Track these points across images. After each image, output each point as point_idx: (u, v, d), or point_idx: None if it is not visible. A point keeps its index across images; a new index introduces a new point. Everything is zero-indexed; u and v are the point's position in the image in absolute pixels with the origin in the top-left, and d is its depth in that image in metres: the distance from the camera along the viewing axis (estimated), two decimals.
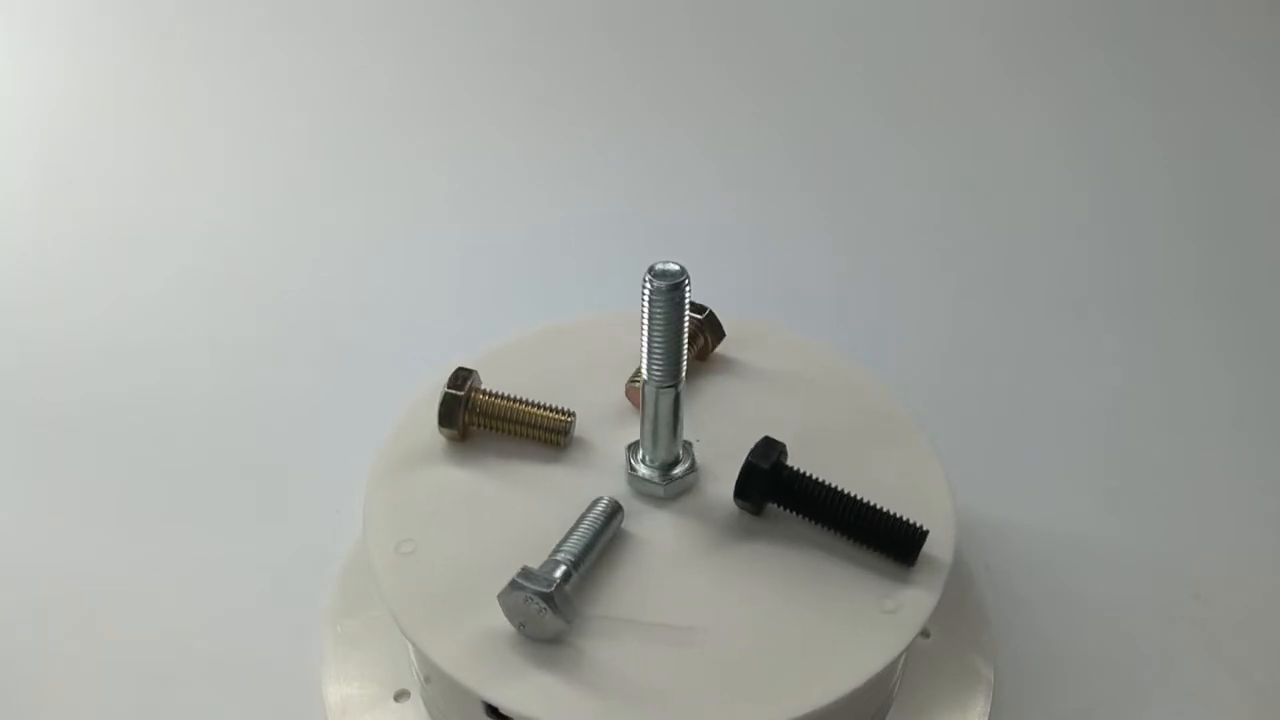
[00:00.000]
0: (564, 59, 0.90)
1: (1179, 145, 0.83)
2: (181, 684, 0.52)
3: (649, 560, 0.45)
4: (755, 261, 0.75)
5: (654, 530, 0.47)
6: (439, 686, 0.47)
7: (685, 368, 0.45)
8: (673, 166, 0.82)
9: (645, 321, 0.44)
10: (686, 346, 0.46)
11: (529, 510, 0.47)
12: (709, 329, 0.53)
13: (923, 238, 0.77)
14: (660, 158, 0.83)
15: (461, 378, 0.49)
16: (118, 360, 0.68)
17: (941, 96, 0.87)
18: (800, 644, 0.43)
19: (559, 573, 0.42)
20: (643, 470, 0.48)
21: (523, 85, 0.88)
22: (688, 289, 0.43)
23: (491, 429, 0.50)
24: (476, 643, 0.43)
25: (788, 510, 0.46)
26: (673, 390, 0.45)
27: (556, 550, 0.44)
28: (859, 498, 0.45)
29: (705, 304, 0.53)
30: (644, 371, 0.45)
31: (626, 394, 0.51)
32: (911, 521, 0.45)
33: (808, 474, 0.46)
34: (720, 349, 0.54)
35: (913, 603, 0.44)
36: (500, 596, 0.42)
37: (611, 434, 0.50)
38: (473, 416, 0.49)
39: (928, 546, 0.45)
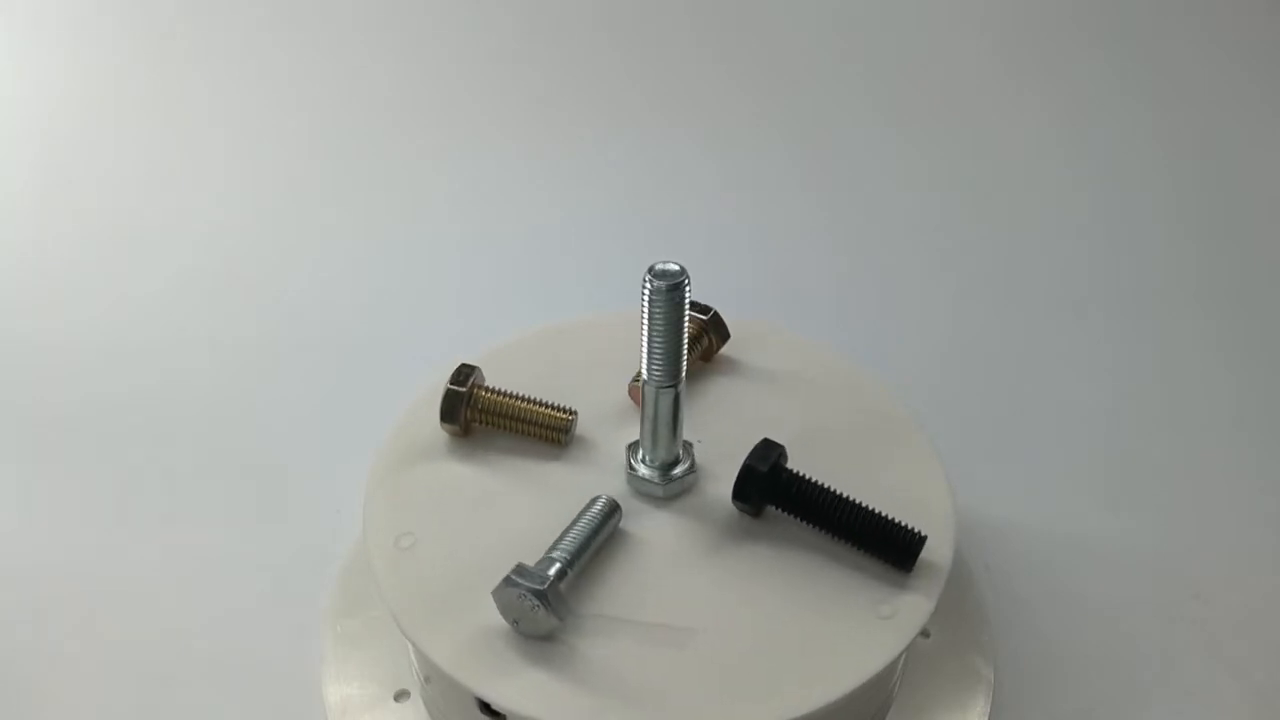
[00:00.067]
0: (564, 59, 0.90)
1: (1179, 145, 0.82)
2: (181, 684, 0.52)
3: (647, 560, 0.45)
4: (755, 261, 0.75)
5: (652, 530, 0.47)
6: (439, 686, 0.47)
7: (686, 368, 0.45)
8: (673, 166, 0.82)
9: (645, 321, 0.44)
10: (690, 347, 0.46)
11: (529, 507, 0.47)
12: (714, 330, 0.53)
13: (923, 238, 0.77)
14: (660, 158, 0.83)
15: (465, 374, 0.49)
16: (118, 360, 0.68)
17: (941, 96, 0.87)
18: (795, 647, 0.43)
19: (553, 570, 0.42)
20: (642, 470, 0.48)
21: (523, 85, 0.88)
22: (688, 289, 0.43)
23: (493, 426, 0.50)
24: (472, 638, 0.43)
25: (786, 513, 0.46)
26: (672, 390, 0.45)
27: (552, 548, 0.44)
28: (858, 502, 0.45)
29: (707, 305, 0.53)
30: (644, 371, 0.45)
31: (630, 393, 0.51)
32: (910, 527, 0.44)
33: (807, 476, 0.46)
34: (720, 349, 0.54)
35: (909, 608, 0.44)
36: (494, 593, 0.42)
37: (614, 433, 0.50)
38: (475, 413, 0.49)
39: (927, 551, 0.44)
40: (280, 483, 0.61)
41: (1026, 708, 0.51)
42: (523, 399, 0.50)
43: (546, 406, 0.49)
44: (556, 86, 0.88)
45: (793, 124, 0.86)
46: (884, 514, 0.45)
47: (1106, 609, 0.55)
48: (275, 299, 0.72)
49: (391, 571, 0.45)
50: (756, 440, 0.46)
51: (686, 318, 0.44)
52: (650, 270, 0.43)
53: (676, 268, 0.43)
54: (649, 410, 0.46)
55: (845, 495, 0.45)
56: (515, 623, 0.43)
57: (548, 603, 0.42)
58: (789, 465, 0.46)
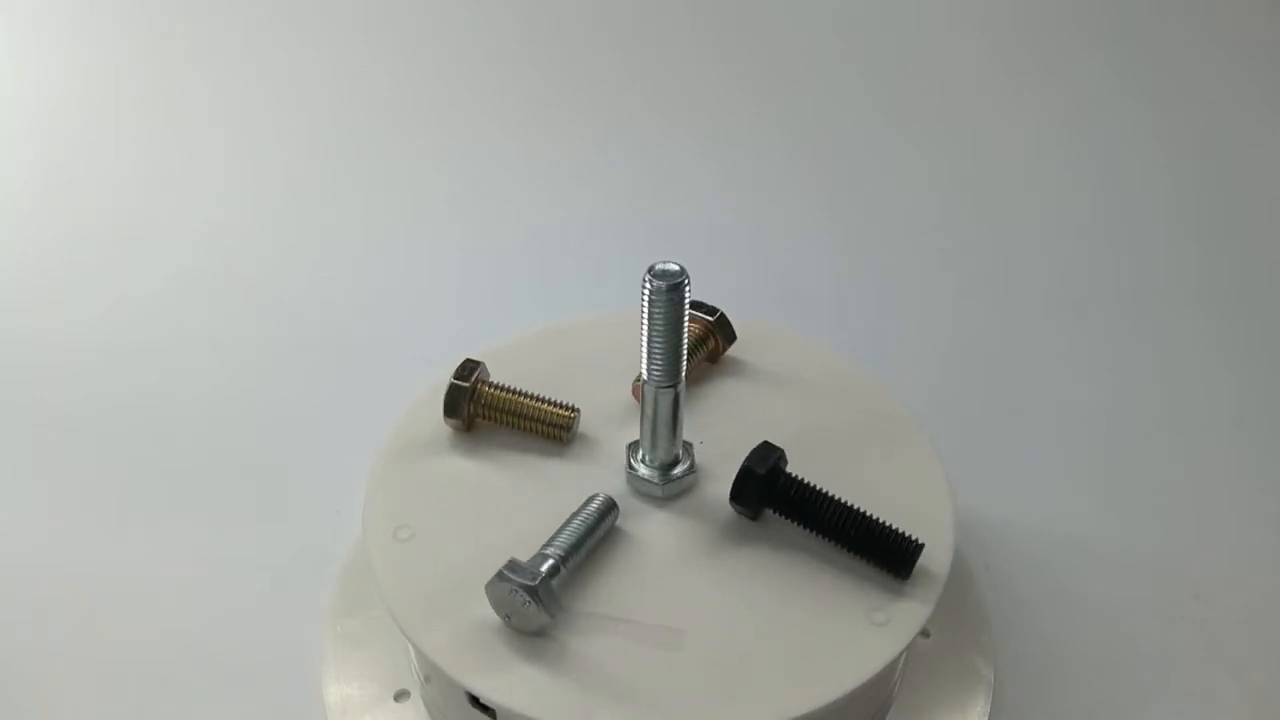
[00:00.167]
0: (564, 59, 0.90)
1: (1179, 145, 0.82)
2: (181, 684, 0.52)
3: (643, 559, 0.45)
4: (755, 261, 0.75)
5: (650, 530, 0.47)
6: (439, 686, 0.47)
7: (686, 368, 0.45)
8: (673, 166, 0.82)
9: (645, 321, 0.44)
10: (696, 349, 0.45)
11: (528, 503, 0.47)
12: (720, 331, 0.53)
13: (923, 238, 0.77)
14: (660, 158, 0.83)
15: (469, 369, 0.50)
16: (118, 360, 0.68)
17: (941, 96, 0.87)
18: (787, 651, 0.43)
19: (545, 566, 0.43)
20: (642, 470, 0.48)
21: (523, 85, 0.88)
22: (687, 289, 0.43)
23: (496, 421, 0.50)
24: (465, 632, 0.43)
25: (784, 517, 0.46)
26: (672, 390, 0.45)
27: (547, 544, 0.44)
28: (856, 507, 0.45)
29: (714, 306, 0.53)
30: (644, 371, 0.45)
31: (633, 392, 0.51)
32: (907, 534, 0.44)
33: (805, 480, 0.45)
34: None
35: (904, 615, 0.43)
36: (487, 587, 0.43)
37: (616, 432, 0.50)
38: (478, 408, 0.50)
39: (924, 558, 0.44)
40: (280, 483, 0.61)
41: (1026, 708, 0.51)
42: (526, 395, 0.50)
43: (549, 403, 0.50)
44: (556, 86, 0.88)
45: (793, 124, 0.86)
46: (881, 520, 0.44)
47: (1106, 609, 0.55)
48: (275, 299, 0.72)
49: (388, 563, 0.45)
50: (756, 441, 0.46)
51: (688, 318, 0.44)
52: (650, 270, 0.43)
53: (676, 268, 0.43)
54: (649, 410, 0.46)
55: (843, 500, 0.45)
56: (508, 618, 0.43)
57: (539, 598, 0.42)
58: (788, 467, 0.46)
